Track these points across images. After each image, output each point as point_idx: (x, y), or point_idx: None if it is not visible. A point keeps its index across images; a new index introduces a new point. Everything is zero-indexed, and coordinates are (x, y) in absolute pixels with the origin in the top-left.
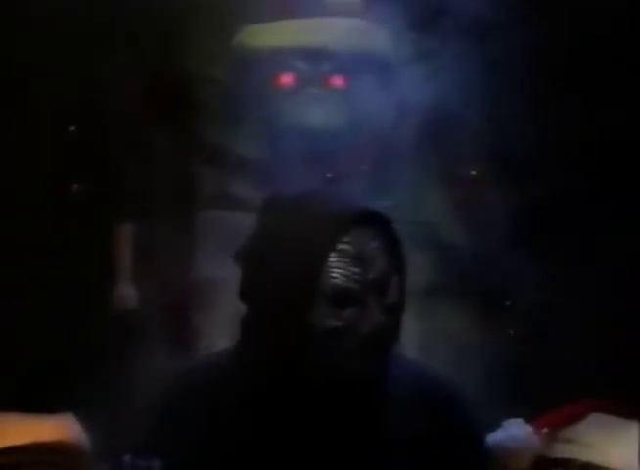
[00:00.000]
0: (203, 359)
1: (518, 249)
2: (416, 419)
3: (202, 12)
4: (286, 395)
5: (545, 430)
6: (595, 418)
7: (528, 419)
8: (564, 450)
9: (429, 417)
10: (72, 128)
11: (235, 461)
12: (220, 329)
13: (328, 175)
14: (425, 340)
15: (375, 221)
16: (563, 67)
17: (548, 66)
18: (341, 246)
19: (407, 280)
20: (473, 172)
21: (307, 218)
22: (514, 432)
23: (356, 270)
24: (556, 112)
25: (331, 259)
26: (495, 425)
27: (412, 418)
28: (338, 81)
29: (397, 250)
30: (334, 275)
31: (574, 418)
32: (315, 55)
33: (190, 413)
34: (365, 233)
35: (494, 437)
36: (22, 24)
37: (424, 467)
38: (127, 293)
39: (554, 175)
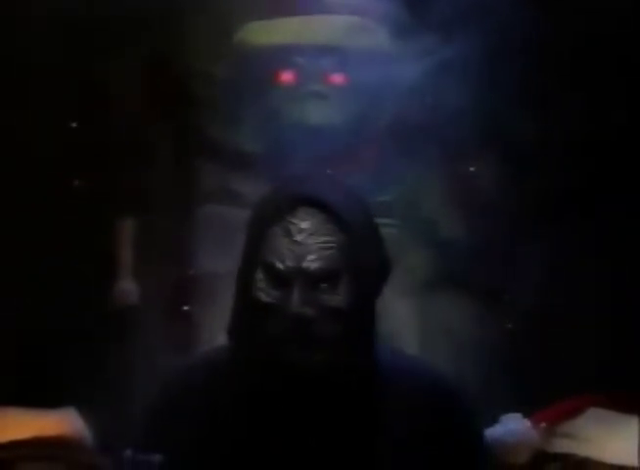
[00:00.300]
0: (201, 356)
1: (517, 245)
2: (414, 415)
3: (203, 9)
4: (269, 385)
5: (543, 425)
6: (593, 413)
7: (527, 414)
8: (562, 445)
9: (427, 413)
10: (74, 125)
11: (233, 454)
12: (221, 324)
13: (327, 171)
14: (424, 335)
15: (328, 209)
16: (565, 63)
17: (550, 62)
18: (283, 222)
19: (365, 287)
20: (472, 168)
21: (268, 196)
22: (512, 427)
23: (290, 249)
24: (557, 108)
25: (270, 234)
26: (494, 420)
27: (410, 413)
28: (338, 78)
29: (351, 247)
30: (270, 250)
31: (573, 413)
32: (316, 52)
33: (189, 409)
34: (312, 216)
35: (493, 431)
36: (23, 21)
37: (421, 463)
38: (128, 288)
39: (554, 172)
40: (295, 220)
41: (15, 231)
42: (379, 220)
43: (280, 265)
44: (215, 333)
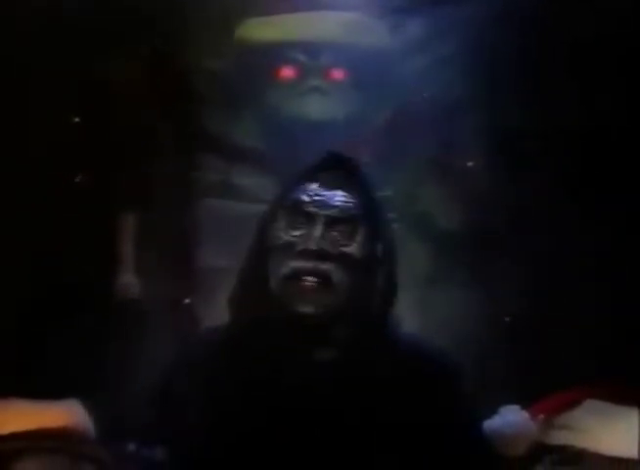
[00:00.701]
0: (198, 338)
1: (513, 238)
2: (414, 395)
3: (204, 6)
4: (272, 341)
5: (541, 416)
6: (590, 405)
7: (525, 406)
8: (559, 437)
9: (427, 395)
10: (76, 120)
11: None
12: (221, 316)
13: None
14: (421, 327)
15: (352, 169)
16: (561, 57)
17: (545, 57)
18: (314, 176)
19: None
20: (469, 163)
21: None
22: (510, 418)
23: (317, 193)
24: (553, 103)
25: (301, 182)
26: (492, 411)
27: (411, 395)
28: (338, 74)
29: (369, 204)
30: (298, 192)
31: (570, 405)
32: (316, 48)
33: (190, 393)
34: (340, 174)
35: (491, 423)
36: (25, 19)
37: (419, 444)
38: (130, 282)
39: (552, 167)
40: (324, 177)
41: (18, 226)
42: None
43: (307, 204)
44: (214, 323)
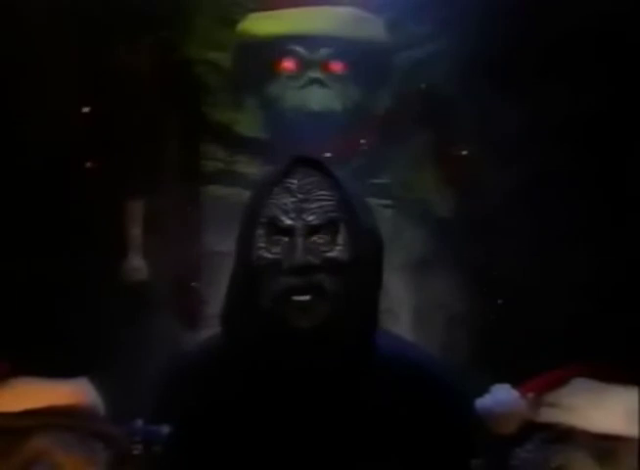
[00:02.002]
0: (204, 341)
1: (506, 223)
2: (399, 395)
3: (209, 2)
4: (267, 356)
5: (531, 395)
6: (578, 383)
7: (515, 384)
8: (548, 414)
9: (412, 393)
10: (86, 110)
11: (234, 423)
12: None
13: (327, 155)
14: (417, 309)
15: (323, 169)
16: (551, 50)
17: (536, 49)
18: (284, 183)
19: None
20: (464, 152)
21: (268, 170)
22: (501, 397)
23: (291, 203)
24: (544, 92)
25: (274, 193)
26: (483, 390)
27: (395, 394)
28: (337, 66)
29: (347, 202)
30: (271, 206)
31: (559, 383)
32: (315, 41)
33: (194, 385)
34: (311, 176)
35: (482, 402)
36: (37, 11)
37: (406, 441)
38: (138, 265)
39: (540, 154)
40: (293, 180)
41: (30, 211)
42: (376, 201)
43: (283, 217)
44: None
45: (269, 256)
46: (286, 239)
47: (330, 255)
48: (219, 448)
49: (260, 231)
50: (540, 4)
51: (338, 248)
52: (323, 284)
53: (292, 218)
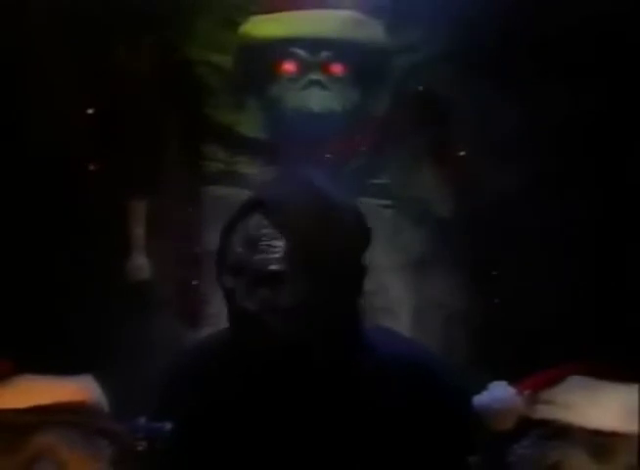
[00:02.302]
0: (206, 338)
1: (504, 223)
2: (398, 392)
3: (211, 3)
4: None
5: (527, 392)
6: (574, 380)
7: (512, 382)
8: (545, 411)
9: (409, 388)
10: (90, 112)
11: (232, 424)
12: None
13: (327, 155)
14: (416, 308)
15: (267, 208)
16: (547, 50)
17: (533, 50)
18: (242, 230)
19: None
20: (462, 153)
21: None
22: (498, 394)
23: (237, 253)
24: (540, 94)
25: (229, 236)
26: (481, 387)
27: (392, 388)
28: (337, 68)
29: (296, 252)
30: (229, 246)
31: (555, 381)
32: (316, 44)
33: (195, 383)
34: (262, 219)
35: (480, 399)
36: (39, 14)
37: (405, 438)
38: (141, 264)
39: (538, 155)
40: (249, 226)
41: (35, 212)
42: (375, 201)
43: (231, 265)
44: (221, 304)
45: (227, 285)
46: (237, 281)
47: (272, 302)
48: (219, 445)
49: (224, 270)
50: (536, 4)
51: (280, 297)
52: (271, 324)
53: (236, 270)
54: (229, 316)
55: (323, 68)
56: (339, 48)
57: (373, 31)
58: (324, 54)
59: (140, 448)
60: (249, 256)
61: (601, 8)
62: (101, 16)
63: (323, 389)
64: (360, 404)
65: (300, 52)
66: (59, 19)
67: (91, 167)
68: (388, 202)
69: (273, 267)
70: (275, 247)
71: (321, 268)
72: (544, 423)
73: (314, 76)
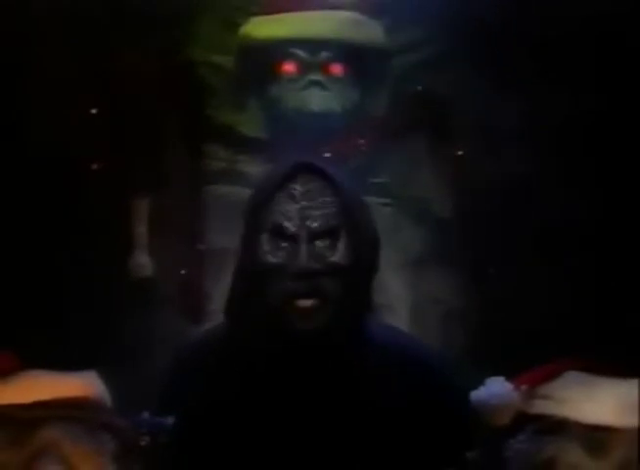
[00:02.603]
0: (207, 332)
1: (502, 223)
2: (398, 386)
3: (213, 5)
4: (269, 352)
5: (524, 387)
6: (570, 376)
7: (509, 377)
8: (541, 406)
9: (411, 385)
10: (94, 112)
11: (235, 418)
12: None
13: (327, 155)
14: (415, 304)
15: (324, 175)
16: (545, 51)
17: (530, 51)
18: (287, 189)
19: (365, 251)
20: (461, 152)
21: (270, 171)
22: (495, 389)
23: (294, 210)
24: (538, 94)
25: (276, 200)
26: (478, 383)
27: (394, 385)
28: (336, 68)
29: (347, 208)
30: (275, 213)
31: (552, 376)
32: (315, 45)
33: (196, 377)
34: (313, 182)
35: (477, 394)
36: (46, 18)
37: (404, 433)
38: (144, 261)
39: (536, 155)
40: (296, 186)
41: (40, 210)
42: (375, 200)
43: (287, 224)
44: (222, 301)
45: (274, 260)
46: (290, 245)
47: (331, 259)
48: (221, 438)
49: (265, 235)
50: (534, 5)
51: (339, 253)
52: (325, 288)
53: (295, 225)
54: (272, 297)
55: (323, 68)
56: (338, 49)
57: (372, 32)
58: (324, 54)
59: (143, 443)
60: (304, 214)
61: (599, 8)
62: (105, 18)
63: (328, 381)
64: (362, 399)
65: (300, 53)
66: (63, 21)
67: (94, 167)
68: (387, 200)
69: (334, 223)
70: (330, 203)
71: (364, 230)
72: (540, 418)
73: (314, 77)
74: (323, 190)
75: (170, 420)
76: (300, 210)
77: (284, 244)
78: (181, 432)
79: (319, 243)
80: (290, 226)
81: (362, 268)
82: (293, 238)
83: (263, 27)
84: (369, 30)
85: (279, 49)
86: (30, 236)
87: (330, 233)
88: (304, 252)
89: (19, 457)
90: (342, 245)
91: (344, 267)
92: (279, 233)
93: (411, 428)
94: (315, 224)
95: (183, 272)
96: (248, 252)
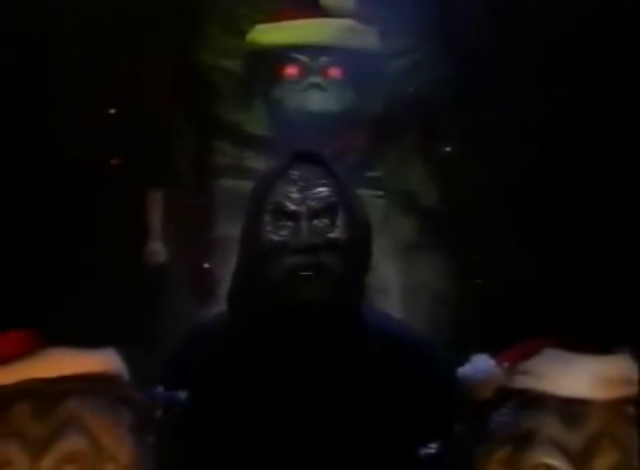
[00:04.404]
0: (215, 314)
1: (484, 212)
2: (391, 363)
3: (223, 14)
4: (272, 335)
5: (506, 364)
6: (548, 353)
7: (493, 355)
8: (522, 381)
9: (403, 363)
10: (113, 111)
11: (240, 393)
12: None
13: (325, 151)
14: (405, 288)
15: (320, 162)
16: (529, 53)
17: (513, 53)
18: (287, 175)
19: (361, 227)
20: (448, 149)
21: (271, 165)
22: (480, 366)
23: (294, 191)
24: (523, 96)
25: (278, 183)
26: (464, 360)
27: (387, 362)
28: (335, 72)
29: (342, 190)
30: (277, 195)
31: (531, 353)
32: (316, 50)
33: (204, 356)
34: (310, 168)
35: (463, 370)
36: (62, 22)
37: (397, 408)
38: (158, 249)
39: (517, 152)
40: (295, 172)
41: (62, 202)
42: (369, 192)
43: (288, 203)
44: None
45: (276, 238)
46: (291, 223)
47: (331, 235)
48: (226, 410)
49: (267, 217)
50: (520, 13)
51: (337, 229)
52: (325, 262)
53: (296, 204)
54: (275, 273)
55: (322, 71)
56: (336, 54)
57: (368, 38)
58: (323, 59)
59: (157, 415)
60: (303, 194)
61: (580, 14)
62: (126, 28)
63: (327, 356)
64: (358, 375)
65: (302, 57)
66: (81, 25)
67: (113, 162)
68: (380, 193)
69: (332, 201)
70: (327, 184)
71: (359, 211)
72: (521, 392)
73: (314, 79)
74: (320, 174)
75: (182, 394)
76: (300, 190)
77: (286, 222)
78: (192, 405)
79: (318, 222)
80: (290, 205)
81: (358, 246)
82: (294, 216)
83: (268, 34)
84: (365, 37)
85: (282, 54)
86: (56, 225)
87: (328, 211)
88: (305, 227)
89: (44, 428)
90: (340, 222)
91: (343, 243)
92: (281, 212)
93: (403, 402)
94: (315, 203)
95: (206, 266)
96: (251, 234)
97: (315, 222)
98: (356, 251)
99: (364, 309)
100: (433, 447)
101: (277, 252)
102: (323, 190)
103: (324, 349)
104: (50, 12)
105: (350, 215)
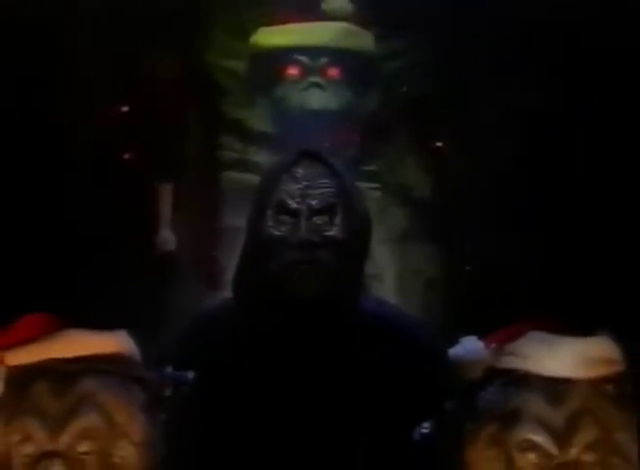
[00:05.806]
0: (220, 300)
1: (474, 204)
2: (385, 346)
3: (228, 17)
4: (272, 317)
5: (494, 345)
6: (533, 335)
7: (481, 336)
8: (508, 362)
9: (397, 346)
10: (126, 109)
11: (241, 378)
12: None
13: (325, 145)
14: (400, 275)
15: (324, 161)
16: (516, 51)
17: (501, 52)
18: (291, 172)
19: (358, 226)
20: (439, 144)
21: (276, 160)
22: (469, 347)
23: (297, 189)
24: (511, 93)
25: (283, 180)
26: (454, 341)
27: (382, 345)
28: (334, 72)
29: (344, 189)
30: (280, 192)
31: (517, 335)
32: (316, 51)
33: (208, 340)
34: (314, 167)
35: (454, 351)
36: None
37: (392, 386)
38: (168, 237)
39: (505, 147)
40: (299, 170)
41: (79, 193)
42: (366, 185)
43: (290, 201)
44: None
45: (277, 233)
46: (292, 219)
47: (328, 234)
48: (231, 390)
49: (270, 212)
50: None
51: (335, 228)
52: (322, 259)
53: (297, 203)
54: (275, 266)
55: (322, 72)
56: (335, 55)
57: (365, 41)
58: (323, 60)
59: (167, 394)
60: (305, 192)
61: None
62: (139, 32)
63: (324, 343)
64: (354, 359)
65: (302, 58)
66: (101, 30)
67: (127, 156)
68: (376, 185)
69: (331, 201)
70: (329, 184)
71: (358, 209)
72: (508, 372)
73: (314, 79)
74: (323, 174)
75: (190, 374)
76: (302, 189)
77: (287, 219)
78: (198, 384)
79: (317, 219)
80: (292, 203)
81: (355, 244)
82: (294, 214)
83: (270, 37)
84: (362, 39)
85: (284, 55)
86: (73, 215)
87: (328, 210)
88: (304, 225)
89: (62, 405)
90: (338, 221)
91: (340, 241)
92: (282, 209)
93: (398, 382)
94: (315, 202)
95: (213, 254)
96: (255, 226)
97: (315, 220)
98: (354, 248)
99: (361, 298)
100: (426, 428)
101: (277, 246)
102: (324, 189)
103: (321, 337)
104: (66, 12)
105: (350, 214)
